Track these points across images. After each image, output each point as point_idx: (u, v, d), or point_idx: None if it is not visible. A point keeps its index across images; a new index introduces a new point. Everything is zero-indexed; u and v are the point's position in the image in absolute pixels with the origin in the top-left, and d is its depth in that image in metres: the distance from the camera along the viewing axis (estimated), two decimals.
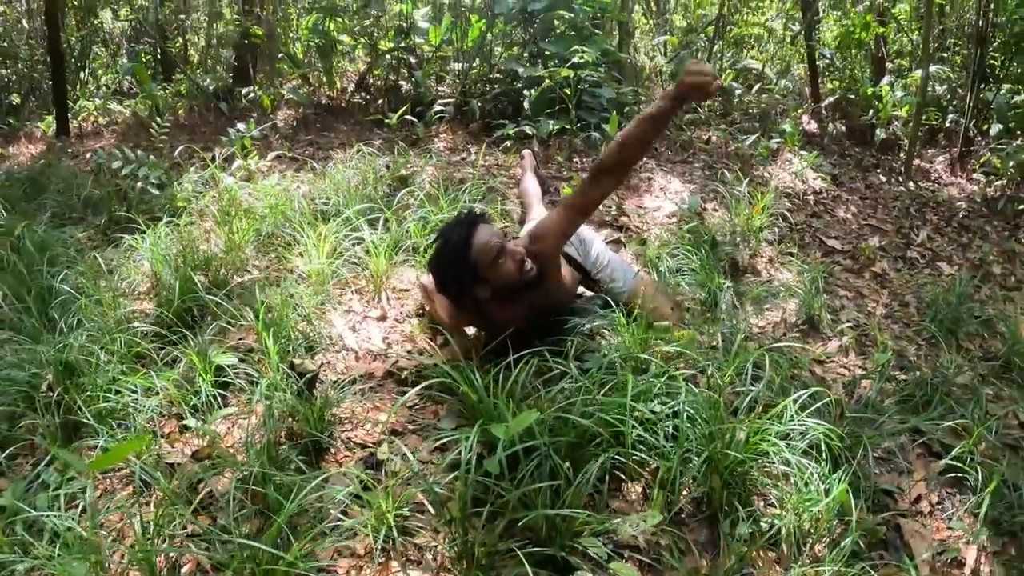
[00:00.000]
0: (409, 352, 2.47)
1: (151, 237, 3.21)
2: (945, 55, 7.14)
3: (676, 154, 5.20)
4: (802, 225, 4.29)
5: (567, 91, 4.78)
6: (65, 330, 2.62)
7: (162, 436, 2.14)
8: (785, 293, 3.28)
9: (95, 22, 10.20)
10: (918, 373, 2.71)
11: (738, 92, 6.75)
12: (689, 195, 4.27)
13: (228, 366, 2.28)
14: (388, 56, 6.22)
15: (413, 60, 6.18)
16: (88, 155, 6.24)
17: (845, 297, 3.53)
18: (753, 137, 5.23)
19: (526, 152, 4.09)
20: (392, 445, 1.98)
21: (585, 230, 2.87)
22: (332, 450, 2.01)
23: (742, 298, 3.22)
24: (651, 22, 8.89)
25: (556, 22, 5.74)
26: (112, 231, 3.86)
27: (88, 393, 2.23)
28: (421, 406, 2.14)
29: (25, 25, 10.38)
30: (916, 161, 5.99)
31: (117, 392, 2.24)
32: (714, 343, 2.62)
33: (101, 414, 2.17)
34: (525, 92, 5.29)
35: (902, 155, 6.04)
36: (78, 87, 11.10)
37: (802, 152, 5.25)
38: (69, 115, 7.52)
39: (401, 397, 2.16)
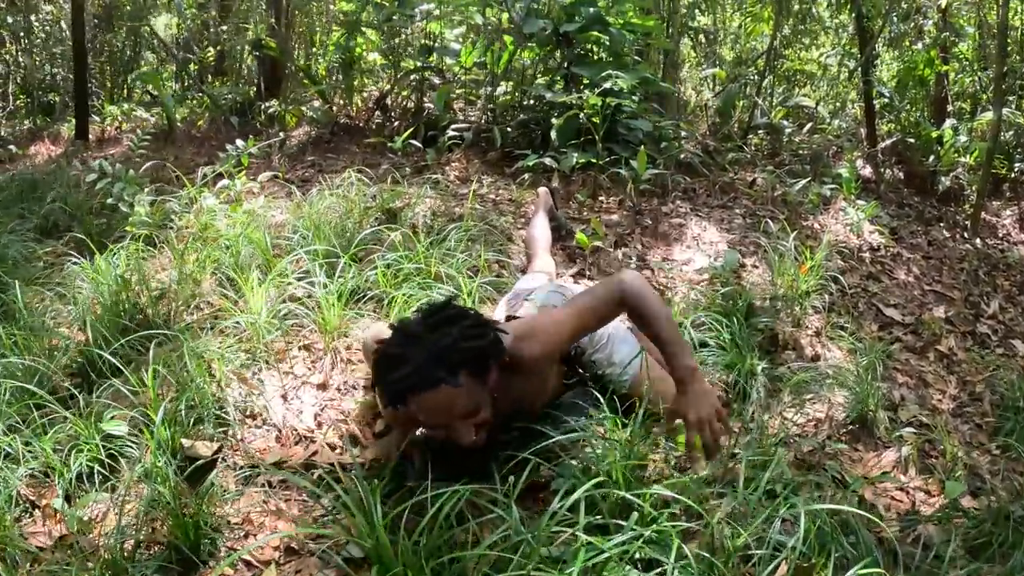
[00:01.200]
0: (339, 440, 2.07)
1: (98, 261, 2.92)
2: (1011, 98, 6.64)
3: (715, 197, 4.72)
4: (856, 289, 3.72)
5: (595, 120, 4.37)
6: None
7: (37, 508, 1.82)
8: (833, 381, 2.72)
9: (144, 27, 10.32)
10: (994, 501, 2.09)
11: (788, 131, 6.36)
12: (727, 248, 3.80)
13: (116, 436, 1.93)
14: (412, 76, 5.94)
15: (438, 81, 5.89)
16: (97, 162, 6.11)
17: (905, 385, 2.96)
18: (803, 182, 4.71)
19: (542, 190, 3.70)
20: (280, 569, 1.58)
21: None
22: (208, 565, 1.62)
23: (779, 386, 2.69)
24: (699, 54, 8.62)
25: (591, 46, 5.39)
26: (71, 250, 3.60)
27: None
28: (332, 518, 1.73)
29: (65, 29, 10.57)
30: (982, 215, 5.52)
31: None
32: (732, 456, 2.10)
33: None
34: (553, 120, 4.91)
35: (967, 207, 5.62)
36: (124, 90, 11.33)
37: (859, 201, 4.66)
38: (93, 119, 7.49)
39: (310, 501, 1.77)
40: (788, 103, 6.96)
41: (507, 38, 5.48)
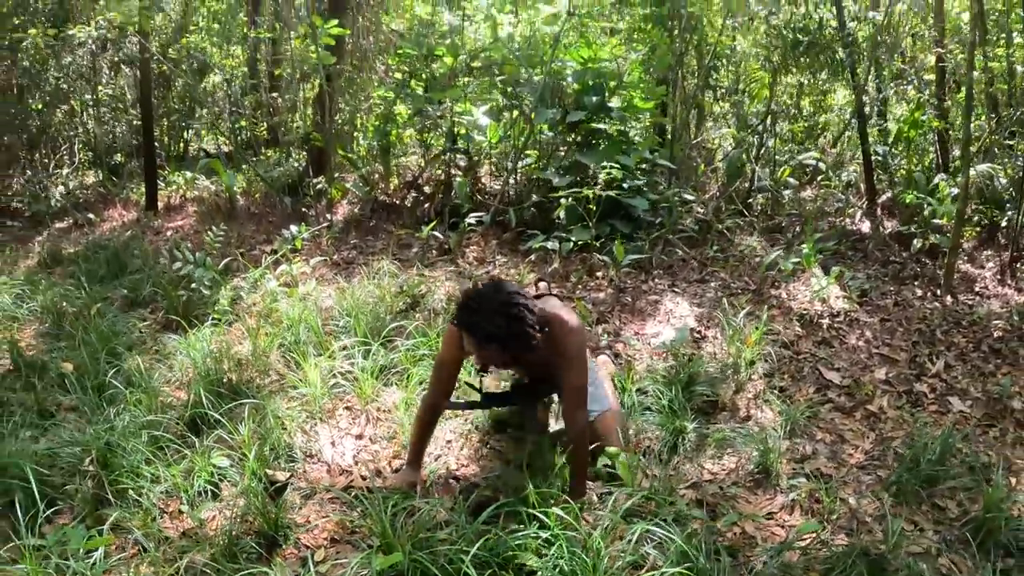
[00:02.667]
0: (368, 473, 3.28)
1: (192, 338, 4.23)
2: (1012, 142, 7.06)
3: (694, 273, 5.82)
4: (806, 354, 4.54)
5: (591, 207, 5.60)
6: (112, 417, 3.61)
7: (165, 514, 3.04)
8: (749, 437, 3.59)
9: (204, 86, 11.93)
10: (864, 538, 2.89)
11: (787, 193, 7.28)
12: (682, 325, 4.81)
13: (222, 467, 3.17)
14: (441, 158, 7.23)
15: (463, 163, 7.17)
16: (168, 233, 7.53)
17: (822, 441, 3.73)
18: (775, 254, 5.64)
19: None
20: (327, 551, 2.79)
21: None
22: (283, 546, 2.83)
23: (705, 441, 3.68)
24: (724, 106, 9.50)
25: (591, 137, 6.61)
26: (167, 324, 4.93)
27: (116, 474, 3.17)
28: (361, 521, 2.93)
29: (128, 94, 12.24)
30: (966, 266, 6.10)
31: (138, 476, 3.16)
32: (650, 491, 3.20)
33: (122, 492, 3.09)
34: (562, 202, 6.06)
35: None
36: (180, 144, 12.95)
37: (839, 267, 5.49)
38: (159, 188, 8.94)
39: (347, 510, 2.97)
40: (792, 162, 7.77)
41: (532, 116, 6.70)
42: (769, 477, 3.37)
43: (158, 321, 5.12)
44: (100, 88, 11.63)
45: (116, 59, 11.50)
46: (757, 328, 4.38)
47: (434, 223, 6.19)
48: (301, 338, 4.32)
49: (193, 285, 5.11)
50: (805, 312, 5.04)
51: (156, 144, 11.05)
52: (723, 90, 8.99)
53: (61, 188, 10.64)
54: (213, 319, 4.78)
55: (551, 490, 2.87)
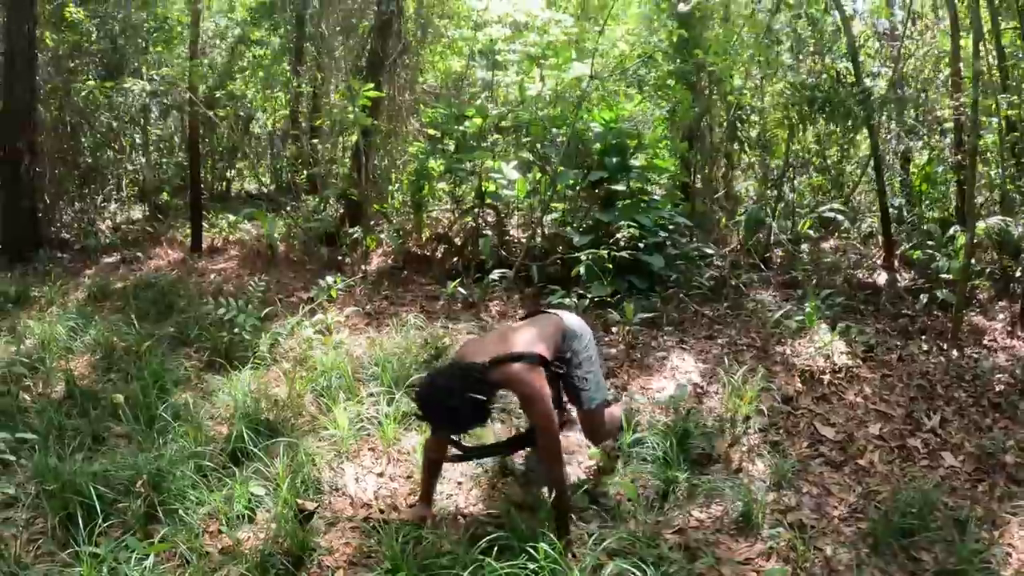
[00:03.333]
0: (386, 507, 3.83)
1: (233, 379, 4.85)
2: None
3: (703, 329, 6.29)
4: (803, 410, 4.87)
5: (608, 265, 6.15)
6: (161, 445, 4.22)
7: (207, 532, 3.61)
8: (737, 488, 3.89)
9: (249, 128, 12.76)
10: None
11: (805, 247, 7.70)
12: (690, 379, 5.30)
13: (258, 495, 3.75)
14: (470, 215, 7.85)
15: (491, 219, 7.78)
16: (212, 276, 8.21)
17: (808, 494, 4.02)
18: (781, 311, 6.08)
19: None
20: (346, 571, 3.33)
21: (588, 343, 3.91)
22: (308, 566, 3.37)
23: (695, 491, 4.01)
24: (751, 157, 9.90)
25: (612, 196, 7.20)
26: (211, 364, 5.56)
27: (164, 495, 3.76)
28: (376, 547, 3.46)
29: (176, 135, 13.15)
30: (979, 318, 6.34)
31: (184, 498, 3.73)
32: (635, 533, 3.71)
33: (169, 512, 3.66)
34: (581, 258, 6.57)
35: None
36: (223, 184, 13.77)
37: (844, 323, 5.82)
38: (204, 230, 9.67)
39: (365, 537, 3.52)
40: (813, 214, 8.10)
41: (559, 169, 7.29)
42: (751, 526, 3.71)
43: (202, 361, 5.75)
44: (149, 129, 12.51)
45: (165, 103, 12.41)
46: (755, 385, 4.78)
47: (458, 281, 6.74)
48: (333, 384, 4.91)
49: (236, 330, 5.73)
50: (807, 368, 5.35)
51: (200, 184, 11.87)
52: (749, 142, 9.42)
53: (108, 223, 11.48)
54: (253, 363, 5.42)
55: (542, 529, 3.36)
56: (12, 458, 4.18)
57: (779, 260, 7.90)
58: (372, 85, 7.57)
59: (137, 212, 12.49)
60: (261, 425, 4.43)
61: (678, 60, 8.55)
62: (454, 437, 3.65)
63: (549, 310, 4.13)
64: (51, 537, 3.59)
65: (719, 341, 6.03)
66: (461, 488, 4.05)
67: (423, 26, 10.38)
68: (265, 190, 14.28)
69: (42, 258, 9.39)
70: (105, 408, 5.02)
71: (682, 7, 7.81)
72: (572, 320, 3.94)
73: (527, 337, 3.65)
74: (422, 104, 10.04)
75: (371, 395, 4.77)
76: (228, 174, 14.47)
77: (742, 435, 4.52)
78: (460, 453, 3.75)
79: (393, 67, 9.03)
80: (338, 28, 10.10)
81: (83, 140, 11.54)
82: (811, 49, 8.41)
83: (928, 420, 4.77)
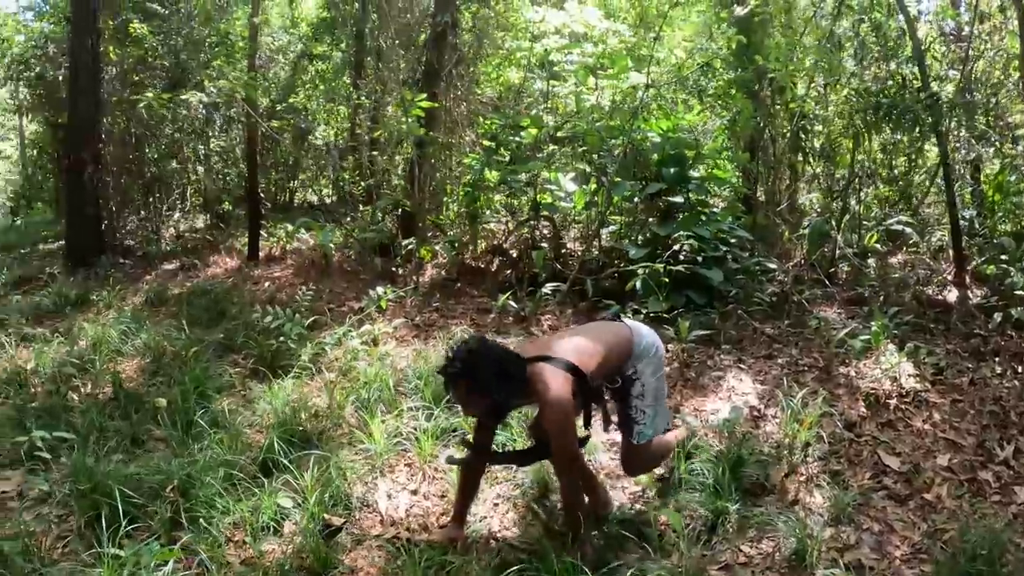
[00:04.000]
0: (416, 526, 3.69)
1: (275, 388, 4.79)
2: None
3: (762, 348, 5.94)
4: (867, 437, 4.50)
5: (665, 279, 5.94)
6: (196, 452, 4.17)
7: (231, 542, 3.52)
8: (792, 522, 3.61)
9: (308, 142, 12.95)
10: None
11: (871, 261, 7.31)
12: (747, 401, 4.99)
13: (285, 507, 3.65)
14: (525, 226, 7.73)
15: (547, 231, 7.64)
16: (266, 284, 8.25)
17: (869, 531, 3.69)
18: (847, 329, 5.70)
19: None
20: None
21: (657, 369, 3.65)
22: None
23: (746, 523, 3.74)
24: (815, 167, 9.42)
25: (670, 208, 7.00)
26: (255, 371, 5.53)
27: (192, 502, 3.69)
28: (402, 567, 3.32)
29: (238, 147, 13.39)
30: None
31: (211, 506, 3.65)
32: (679, 568, 3.49)
33: (195, 519, 3.58)
34: (638, 271, 6.31)
35: None
36: (286, 195, 13.97)
37: (912, 343, 5.42)
38: (263, 238, 9.75)
39: (392, 557, 3.38)
40: (879, 227, 7.75)
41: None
42: (804, 565, 3.41)
43: (248, 368, 5.71)
44: (212, 140, 12.79)
45: (228, 115, 12.69)
46: (816, 409, 4.45)
47: (508, 294, 6.58)
48: (374, 396, 4.79)
49: (282, 338, 5.68)
50: (872, 391, 4.98)
51: (262, 194, 12.06)
52: (812, 152, 9.04)
53: (172, 231, 11.72)
54: (296, 372, 5.33)
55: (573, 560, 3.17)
56: (48, 456, 4.21)
57: (844, 275, 7.51)
58: (424, 96, 7.54)
59: (200, 221, 12.74)
60: (297, 435, 4.34)
61: (738, 68, 8.31)
62: (479, 435, 3.52)
63: (624, 320, 3.82)
64: (78, 536, 3.60)
65: (779, 361, 5.72)
66: (496, 511, 3.85)
67: (479, 37, 10.35)
68: (327, 201, 14.53)
69: (104, 264, 9.59)
70: (148, 411, 5.03)
71: (740, 11, 7.57)
72: (645, 339, 3.64)
73: (570, 345, 3.45)
74: (478, 115, 10.03)
75: (411, 409, 4.64)
76: (291, 185, 14.68)
77: (800, 464, 4.22)
78: (488, 455, 3.61)
79: (448, 78, 8.99)
80: (396, 41, 10.19)
81: (148, 151, 11.84)
82: (875, 54, 8.04)
83: (1001, 451, 4.38)
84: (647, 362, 3.58)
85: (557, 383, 3.20)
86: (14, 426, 4.89)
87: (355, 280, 8.11)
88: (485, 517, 3.79)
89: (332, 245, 8.64)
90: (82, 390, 5.69)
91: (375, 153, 9.88)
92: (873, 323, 5.65)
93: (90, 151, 10.08)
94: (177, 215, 12.29)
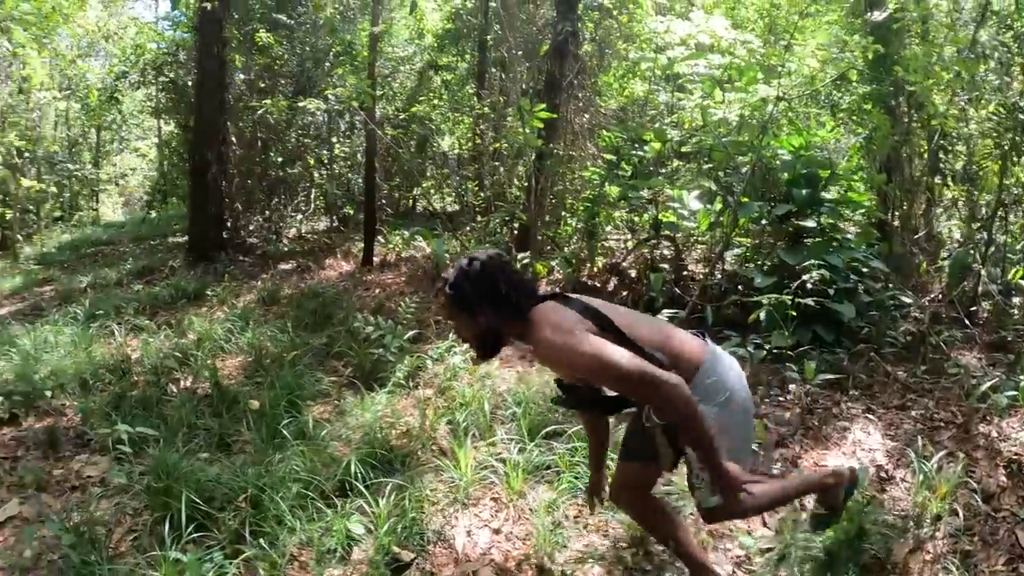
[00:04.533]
0: (493, 573, 3.33)
1: (368, 401, 4.55)
2: None
3: (895, 396, 5.26)
4: (1005, 512, 3.89)
5: (792, 312, 5.39)
6: (275, 462, 3.96)
7: (296, 561, 3.27)
8: None
9: (432, 148, 12.97)
10: None
11: (1016, 300, 6.50)
12: (874, 459, 4.38)
13: (354, 533, 3.37)
14: (645, 246, 7.30)
15: (667, 252, 7.19)
16: (376, 291, 8.11)
17: None
18: (991, 381, 4.88)
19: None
20: None
21: (730, 420, 2.68)
22: None
23: None
24: (955, 191, 8.71)
25: (800, 233, 6.41)
26: (352, 382, 5.32)
27: (262, 515, 3.47)
28: None
29: (360, 152, 13.51)
30: None
31: (280, 523, 3.42)
32: None
33: (262, 534, 3.36)
34: (764, 302, 5.70)
35: None
36: (409, 201, 14.03)
37: None
38: (380, 244, 9.67)
39: None
40: None
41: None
42: None
43: (345, 377, 5.50)
44: (336, 145, 12.98)
45: (350, 121, 12.89)
46: (952, 476, 3.83)
47: None
48: (468, 420, 4.46)
49: (382, 349, 5.47)
50: (1016, 458, 4.27)
51: (384, 200, 12.11)
52: (954, 174, 8.27)
53: (293, 231, 11.88)
54: (392, 386, 5.07)
55: None
56: (129, 450, 4.12)
57: (987, 315, 6.66)
58: (543, 106, 7.27)
59: (321, 223, 12.88)
60: (381, 455, 4.07)
61: (874, 81, 7.63)
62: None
63: (709, 343, 2.89)
64: (148, 533, 3.54)
65: (912, 413, 5.02)
66: (582, 567, 3.47)
67: (601, 48, 9.98)
68: (448, 210, 14.51)
69: (223, 260, 9.76)
70: (240, 412, 4.90)
71: (877, 16, 6.92)
72: (720, 374, 2.74)
73: (622, 315, 2.73)
74: (600, 128, 9.69)
75: (505, 439, 4.28)
76: (413, 192, 14.74)
77: (927, 539, 3.62)
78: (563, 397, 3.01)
79: (569, 89, 8.68)
80: (519, 52, 10.02)
81: (273, 155, 12.10)
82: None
83: None
84: (711, 407, 2.61)
85: (557, 318, 2.54)
86: (110, 413, 4.94)
87: None
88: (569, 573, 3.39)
89: (447, 254, 8.43)
90: (181, 383, 5.66)
91: (496, 164, 9.70)
92: (1021, 375, 4.94)
93: (214, 153, 10.36)
94: (300, 217, 12.45)
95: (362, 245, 10.16)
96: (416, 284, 8.19)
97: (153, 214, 19.35)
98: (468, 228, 9.97)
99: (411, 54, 15.18)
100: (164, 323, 7.07)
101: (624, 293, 7.24)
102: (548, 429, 4.29)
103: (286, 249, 10.40)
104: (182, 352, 6.11)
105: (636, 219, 8.06)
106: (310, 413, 4.85)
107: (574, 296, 2.71)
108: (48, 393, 5.54)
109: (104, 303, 8.14)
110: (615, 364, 2.40)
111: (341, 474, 3.87)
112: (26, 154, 16.76)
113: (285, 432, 4.34)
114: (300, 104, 9.81)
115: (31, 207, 18.04)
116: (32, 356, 6.30)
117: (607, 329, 2.54)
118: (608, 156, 8.17)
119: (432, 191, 14.97)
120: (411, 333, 5.95)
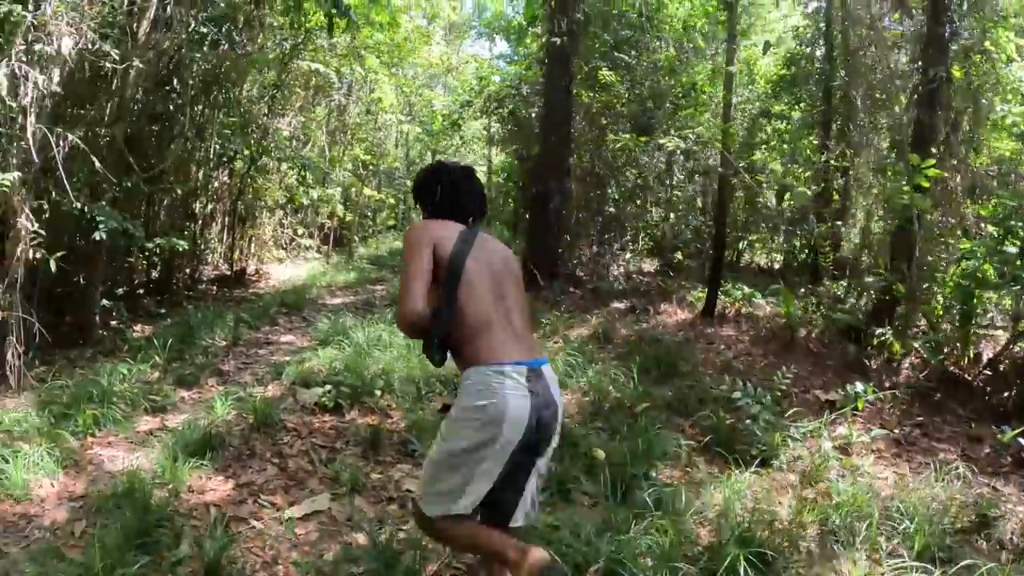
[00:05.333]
0: None
1: (730, 478, 4.10)
2: None
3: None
4: None
5: None
6: (630, 529, 3.64)
7: None
8: None
9: (760, 201, 12.31)
10: None
11: None
12: None
13: None
14: None
15: None
16: (720, 346, 7.61)
17: None
18: None
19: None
20: None
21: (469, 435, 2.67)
22: None
23: None
24: None
25: None
26: (707, 447, 4.89)
27: None
28: None
29: (698, 199, 13.09)
30: None
31: None
32: None
33: None
34: None
35: None
36: (734, 253, 13.43)
37: None
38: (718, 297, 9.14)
39: None
40: None
41: None
42: None
43: (698, 441, 5.04)
44: (673, 189, 12.67)
45: (689, 166, 12.51)
46: None
47: (1021, 430, 5.14)
48: (847, 523, 3.84)
49: (747, 420, 4.96)
50: None
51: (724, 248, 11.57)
52: None
53: (621, 270, 11.72)
54: (758, 466, 4.54)
55: None
56: None
57: None
58: (932, 162, 6.42)
59: (647, 265, 12.61)
60: (752, 546, 3.57)
61: None
62: None
63: (520, 369, 2.71)
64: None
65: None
66: None
67: (976, 97, 8.69)
68: (775, 266, 13.69)
69: (556, 290, 9.76)
70: (580, 458, 4.63)
71: None
72: (501, 391, 2.64)
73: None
74: (975, 189, 8.45)
75: (894, 558, 3.62)
76: (739, 245, 14.11)
77: None
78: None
79: (945, 144, 7.61)
80: (868, 100, 9.02)
81: (611, 191, 12.03)
82: None
83: None
84: (458, 406, 2.74)
85: (436, 223, 2.93)
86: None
87: (820, 363, 7.09)
88: None
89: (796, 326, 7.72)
90: None
91: (839, 223, 8.80)
92: None
93: (556, 184, 10.47)
94: (628, 256, 12.29)
95: (696, 293, 9.74)
96: (762, 345, 7.58)
97: None
98: (804, 289, 9.15)
99: (743, 100, 14.58)
100: None
101: (1004, 395, 6.12)
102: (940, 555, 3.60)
103: (619, 288, 10.21)
104: None
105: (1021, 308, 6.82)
106: (663, 476, 4.48)
107: (476, 234, 2.88)
108: (378, 392, 5.69)
109: None
110: (406, 262, 2.74)
111: (706, 559, 3.44)
112: (370, 167, 18.29)
113: (641, 494, 4.00)
114: (661, 141, 9.57)
115: (368, 213, 20.22)
116: (364, 350, 6.53)
117: (453, 265, 2.73)
118: (992, 228, 7.06)
119: (758, 246, 14.25)
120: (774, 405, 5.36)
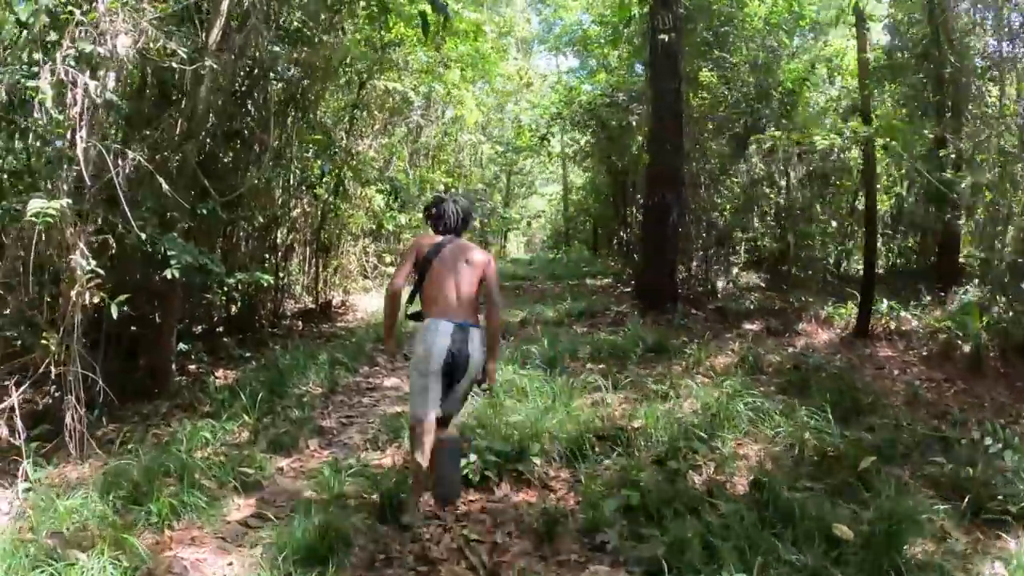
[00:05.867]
0: None
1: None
2: None
3: None
4: None
5: None
6: None
7: None
8: None
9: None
10: None
11: None
12: None
13: None
14: None
15: None
16: (895, 371, 6.47)
17: None
18: None
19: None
20: None
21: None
22: None
23: None
24: None
25: None
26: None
27: None
28: None
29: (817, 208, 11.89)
30: None
31: None
32: None
33: None
34: None
35: None
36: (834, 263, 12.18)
37: None
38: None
39: None
40: None
41: None
42: None
43: (945, 499, 3.94)
44: (773, 197, 11.49)
45: (802, 170, 11.33)
46: None
47: None
48: None
49: (1008, 474, 3.83)
50: None
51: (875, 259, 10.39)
52: None
53: (729, 285, 10.61)
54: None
55: None
56: None
57: None
58: None
59: (745, 277, 11.40)
60: None
61: None
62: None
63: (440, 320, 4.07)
64: None
65: None
66: None
67: None
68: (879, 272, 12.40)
69: (678, 311, 8.70)
70: (815, 537, 3.55)
71: None
72: (429, 333, 4.01)
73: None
74: None
75: None
76: (827, 250, 12.80)
77: None
78: None
79: None
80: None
81: (719, 200, 10.95)
82: None
83: None
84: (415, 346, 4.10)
85: (426, 238, 4.33)
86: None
87: (1009, 385, 5.98)
88: None
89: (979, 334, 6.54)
90: (704, 472, 4.49)
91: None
92: None
93: (673, 194, 9.36)
94: (735, 270, 11.16)
95: (830, 309, 8.59)
96: (938, 367, 6.44)
97: (559, 255, 20.38)
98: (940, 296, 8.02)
99: (838, 94, 13.33)
100: (630, 380, 6.05)
101: None
102: None
103: (751, 307, 9.09)
104: (692, 426, 4.96)
105: None
106: (913, 551, 3.41)
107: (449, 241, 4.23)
108: (536, 460, 4.64)
109: (558, 345, 7.29)
110: (401, 259, 4.44)
111: None
112: (452, 189, 17.50)
113: None
114: (816, 139, 8.44)
115: None
116: (497, 398, 5.39)
117: (423, 262, 4.16)
118: None
119: (856, 251, 12.99)
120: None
